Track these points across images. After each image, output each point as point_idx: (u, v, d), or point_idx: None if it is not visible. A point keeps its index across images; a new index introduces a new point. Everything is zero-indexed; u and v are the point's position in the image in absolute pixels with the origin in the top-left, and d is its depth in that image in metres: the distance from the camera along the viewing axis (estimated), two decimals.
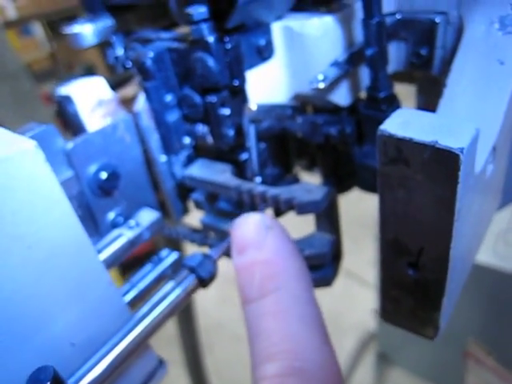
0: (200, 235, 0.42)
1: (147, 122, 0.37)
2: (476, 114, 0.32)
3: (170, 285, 0.31)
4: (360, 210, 2.01)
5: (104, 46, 0.45)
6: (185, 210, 0.43)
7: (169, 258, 0.35)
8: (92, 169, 0.35)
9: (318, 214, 0.35)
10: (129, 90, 0.47)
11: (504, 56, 0.32)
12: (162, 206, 0.42)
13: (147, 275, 0.34)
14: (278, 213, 0.37)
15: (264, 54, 0.36)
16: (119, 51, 0.42)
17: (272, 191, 0.33)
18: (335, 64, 0.35)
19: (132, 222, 0.35)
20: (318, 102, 0.39)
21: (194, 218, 0.45)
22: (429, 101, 0.45)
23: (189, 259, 0.32)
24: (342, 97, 0.37)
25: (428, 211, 0.27)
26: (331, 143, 0.38)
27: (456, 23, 0.36)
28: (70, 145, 0.34)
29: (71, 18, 0.44)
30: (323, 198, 0.32)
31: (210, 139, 0.37)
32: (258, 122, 0.36)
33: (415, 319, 0.32)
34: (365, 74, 0.39)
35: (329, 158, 0.41)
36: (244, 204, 0.38)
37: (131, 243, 0.34)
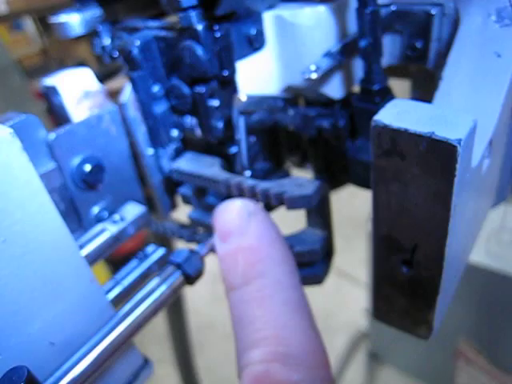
0: (188, 231, 0.41)
1: (134, 113, 0.36)
2: (472, 107, 0.31)
3: (155, 281, 0.30)
4: (352, 208, 2.01)
5: (92, 37, 0.43)
6: (173, 205, 0.41)
7: (155, 253, 0.34)
8: (75, 161, 0.34)
9: (309, 209, 0.34)
10: (117, 82, 0.45)
11: (501, 48, 0.32)
12: (149, 201, 0.41)
13: (132, 272, 0.33)
14: (269, 208, 0.36)
15: (255, 43, 0.34)
16: (106, 41, 0.41)
17: (262, 185, 0.32)
18: (328, 55, 0.34)
19: (116, 217, 0.34)
20: (311, 95, 0.38)
21: (183, 212, 0.43)
22: (424, 95, 0.44)
23: (175, 255, 0.30)
24: (334, 89, 0.36)
25: (423, 206, 0.26)
26: (323, 137, 0.37)
27: (452, 15, 0.36)
28: (52, 135, 0.33)
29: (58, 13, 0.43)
30: (314, 192, 0.31)
31: (198, 132, 0.36)
32: (248, 114, 0.35)
33: (408, 318, 0.31)
34: (358, 67, 0.38)
35: (321, 152, 0.40)
36: (232, 198, 0.37)
37: (115, 238, 0.33)
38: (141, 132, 0.37)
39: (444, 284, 0.29)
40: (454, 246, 0.28)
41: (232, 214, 0.31)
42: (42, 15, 2.64)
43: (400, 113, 0.25)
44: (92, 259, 0.32)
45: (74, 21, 0.41)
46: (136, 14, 0.43)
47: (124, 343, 0.29)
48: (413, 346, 1.49)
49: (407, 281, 0.30)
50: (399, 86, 0.45)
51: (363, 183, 0.38)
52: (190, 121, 0.36)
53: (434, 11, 0.35)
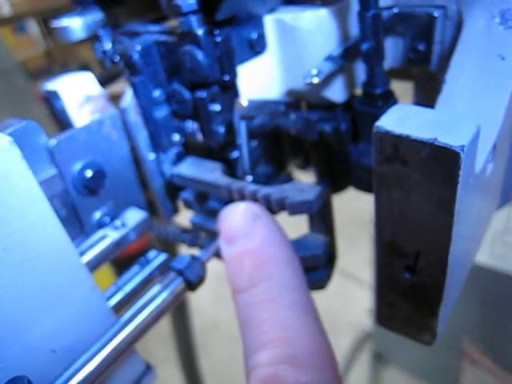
0: (190, 235, 0.41)
1: (135, 118, 0.36)
2: (476, 110, 0.31)
3: (156, 288, 0.30)
4: (356, 208, 2.00)
5: (94, 40, 0.43)
6: (175, 210, 0.41)
7: (157, 259, 0.34)
8: (77, 167, 0.34)
9: (311, 215, 0.34)
10: (119, 86, 0.45)
11: (505, 51, 0.31)
12: (151, 205, 0.41)
13: (134, 277, 0.33)
14: (271, 213, 0.36)
15: (256, 47, 0.34)
16: (107, 45, 0.41)
17: (263, 190, 0.32)
18: (330, 58, 0.33)
19: (118, 223, 0.33)
20: (313, 99, 0.37)
21: (186, 217, 0.43)
22: (427, 98, 0.44)
23: (176, 261, 0.30)
24: (336, 93, 0.36)
25: (426, 212, 0.25)
26: (325, 141, 0.37)
27: (455, 17, 0.35)
28: (53, 141, 0.32)
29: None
30: (316, 197, 0.30)
31: (199, 136, 0.36)
32: (250, 119, 0.35)
33: (412, 325, 0.31)
34: (360, 70, 0.38)
35: (323, 156, 0.40)
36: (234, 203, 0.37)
37: (116, 244, 0.33)
38: (142, 137, 0.37)
39: (448, 290, 0.28)
40: (458, 251, 0.28)
41: (237, 217, 0.31)
42: (45, 17, 2.65)
43: (402, 118, 0.24)
44: (93, 266, 0.31)
45: (75, 25, 0.41)
46: (137, 18, 0.43)
47: (126, 350, 0.28)
48: (417, 346, 1.48)
49: (410, 287, 0.29)
50: (402, 88, 0.44)
51: (366, 188, 0.38)
52: (191, 125, 0.36)
53: (436, 13, 0.35)
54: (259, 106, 0.34)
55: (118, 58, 0.40)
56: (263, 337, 0.27)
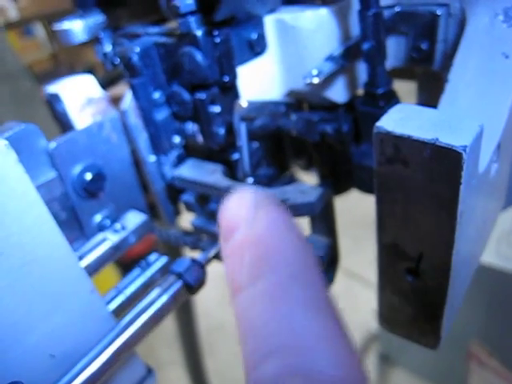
0: (192, 238, 0.40)
1: (135, 120, 0.36)
2: (479, 109, 0.30)
3: (156, 291, 0.29)
4: (361, 208, 1.99)
5: (95, 43, 0.43)
6: (176, 212, 0.41)
7: (157, 262, 0.34)
8: (76, 169, 0.34)
9: (312, 216, 0.33)
10: (120, 89, 0.45)
11: (509, 49, 0.31)
12: (152, 208, 0.41)
13: (134, 281, 0.33)
14: None
15: (256, 48, 0.34)
16: (107, 47, 0.41)
17: None
18: (330, 58, 0.33)
19: (117, 226, 0.33)
20: (314, 99, 0.37)
21: (188, 219, 0.43)
22: (430, 97, 0.43)
23: (176, 264, 0.30)
24: (338, 93, 0.36)
25: (428, 214, 0.25)
26: (327, 142, 0.36)
27: (458, 15, 0.35)
28: (52, 144, 0.32)
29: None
30: (318, 199, 0.30)
31: (200, 138, 0.35)
32: (250, 120, 0.34)
33: (415, 328, 0.31)
34: (362, 70, 0.37)
35: (325, 157, 0.40)
36: None
37: (116, 248, 0.32)
38: (142, 139, 0.36)
39: (451, 292, 0.28)
40: (462, 253, 0.27)
41: (238, 206, 0.26)
42: (52, 21, 2.66)
43: (403, 118, 0.24)
44: (93, 269, 0.31)
45: (76, 28, 0.41)
46: (138, 20, 0.43)
47: (125, 353, 0.28)
48: (424, 348, 1.48)
49: (413, 290, 0.29)
50: (405, 88, 0.44)
51: (368, 189, 0.37)
52: (191, 127, 0.36)
53: (439, 12, 0.35)
54: (259, 107, 0.34)
55: (118, 60, 0.39)
56: (267, 343, 0.21)
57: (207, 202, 0.38)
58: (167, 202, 0.40)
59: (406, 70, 0.41)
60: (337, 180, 0.40)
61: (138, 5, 0.43)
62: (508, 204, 0.40)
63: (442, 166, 0.23)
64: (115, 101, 0.44)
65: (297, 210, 0.30)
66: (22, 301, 0.24)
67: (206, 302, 2.02)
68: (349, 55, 0.34)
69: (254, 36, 0.33)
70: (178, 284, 0.29)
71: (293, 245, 0.24)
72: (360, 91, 0.37)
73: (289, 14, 0.34)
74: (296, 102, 0.38)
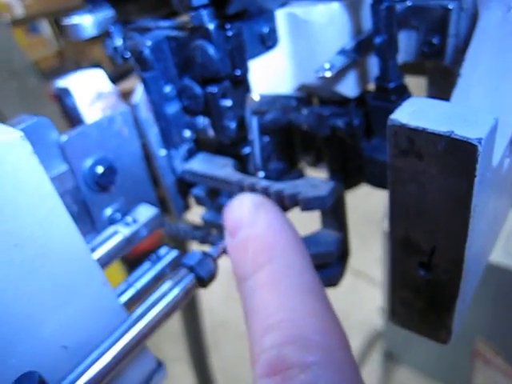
0: (201, 232, 0.40)
1: (146, 114, 0.36)
2: (492, 104, 0.30)
3: (167, 284, 0.30)
4: (367, 206, 1.99)
5: (105, 37, 0.43)
6: (186, 206, 0.41)
7: (168, 256, 0.34)
8: (88, 163, 0.34)
9: (323, 211, 0.33)
10: (130, 83, 0.45)
11: None
12: (162, 202, 0.41)
13: (145, 274, 0.33)
14: (283, 209, 0.36)
15: (267, 42, 0.34)
16: (118, 41, 0.41)
17: (275, 186, 0.31)
18: (342, 52, 0.33)
19: (129, 219, 0.33)
20: (325, 93, 0.37)
21: (197, 213, 0.43)
22: (440, 92, 0.43)
23: (188, 258, 0.30)
24: (349, 88, 0.35)
25: (442, 207, 0.25)
26: (338, 136, 0.36)
27: (470, 9, 0.35)
28: (64, 137, 0.32)
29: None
30: (329, 193, 0.30)
31: (211, 132, 0.35)
32: (262, 114, 0.34)
33: (427, 323, 0.31)
34: (373, 64, 0.37)
35: (335, 152, 0.39)
36: None
37: (128, 241, 0.32)
38: (153, 133, 0.36)
39: (463, 287, 0.28)
40: (474, 247, 0.27)
41: (240, 209, 0.31)
42: (57, 18, 2.67)
43: (417, 111, 0.24)
44: (104, 262, 0.31)
45: (86, 22, 0.41)
46: (148, 14, 0.43)
47: (137, 346, 0.28)
48: (429, 345, 1.47)
49: (425, 284, 0.29)
50: (415, 83, 0.44)
51: (379, 183, 0.37)
52: (202, 121, 0.36)
53: (451, 6, 0.34)
54: (271, 100, 0.34)
55: (129, 54, 0.39)
56: (269, 320, 0.26)
57: (217, 196, 0.38)
58: (177, 195, 0.40)
59: (415, 64, 0.41)
60: (347, 175, 0.40)
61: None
62: None
63: (456, 159, 0.23)
64: (124, 95, 0.44)
65: (308, 203, 0.30)
66: (36, 292, 0.24)
67: (211, 298, 2.02)
68: (360, 49, 0.34)
69: (266, 30, 0.33)
70: (190, 277, 0.29)
71: (288, 239, 0.29)
72: (371, 86, 0.37)
73: (300, 8, 0.33)
74: (306, 96, 0.38)
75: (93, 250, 0.31)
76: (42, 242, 0.24)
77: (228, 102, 0.33)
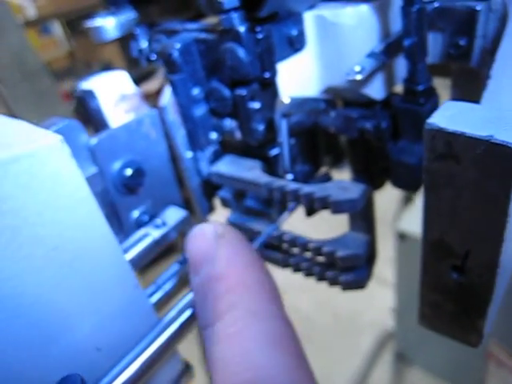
0: None
1: (173, 116, 0.36)
2: None
3: None
4: (378, 206, 1.98)
5: (124, 41, 0.43)
6: (211, 208, 0.41)
7: None
8: (116, 165, 0.34)
9: (353, 213, 0.33)
10: (152, 84, 0.45)
11: None
12: (187, 204, 0.41)
13: (173, 276, 0.33)
14: (310, 212, 0.36)
15: (296, 44, 0.34)
16: (143, 44, 0.41)
17: (306, 189, 0.31)
18: (372, 55, 0.33)
19: (158, 221, 0.33)
20: (351, 96, 0.37)
21: (218, 215, 0.43)
22: (465, 94, 0.43)
23: None
24: (376, 90, 0.35)
25: (478, 211, 0.25)
26: (364, 138, 0.36)
27: (499, 10, 0.34)
28: (94, 140, 0.33)
29: (90, 16, 0.43)
30: (360, 196, 0.30)
31: (238, 134, 0.35)
32: (288, 116, 0.34)
33: (457, 326, 0.30)
34: (400, 66, 0.37)
35: (360, 154, 0.39)
36: (273, 202, 0.36)
37: (157, 243, 0.33)
38: (180, 135, 0.36)
39: (496, 291, 0.28)
40: (509, 251, 0.27)
41: (201, 240, 0.28)
42: (69, 19, 2.70)
43: (455, 115, 0.24)
44: (135, 264, 0.31)
45: (109, 25, 0.41)
46: (170, 17, 0.43)
47: (169, 349, 0.28)
48: (440, 346, 1.46)
49: (457, 287, 0.29)
50: (438, 82, 0.43)
51: (405, 185, 0.37)
52: (229, 123, 0.36)
53: (479, 7, 0.34)
54: (300, 103, 0.34)
55: (155, 56, 0.40)
56: (231, 380, 0.23)
57: (243, 198, 0.38)
58: (202, 197, 0.40)
59: (439, 66, 0.41)
60: (371, 176, 0.40)
61: (171, 2, 0.44)
62: None
63: (495, 163, 0.22)
64: (148, 97, 0.44)
65: (339, 206, 0.30)
66: (72, 295, 0.25)
67: None
68: (389, 52, 0.34)
69: (295, 32, 0.33)
70: None
71: (252, 280, 0.26)
72: (396, 87, 0.37)
73: (329, 11, 0.33)
74: (332, 98, 0.38)
75: (124, 252, 0.31)
76: (79, 245, 0.24)
77: (256, 105, 0.33)
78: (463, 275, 0.28)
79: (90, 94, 0.40)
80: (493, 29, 0.35)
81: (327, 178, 0.39)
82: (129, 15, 0.43)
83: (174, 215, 0.34)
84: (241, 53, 0.31)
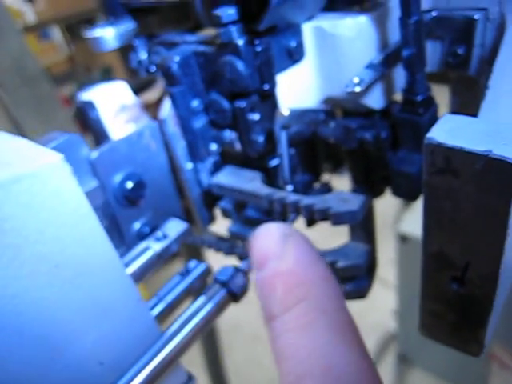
0: (227, 244, 0.41)
1: (173, 128, 0.36)
2: None
3: (200, 300, 0.30)
4: (379, 209, 1.98)
5: (124, 49, 0.44)
6: (211, 218, 0.41)
7: (197, 269, 0.34)
8: (117, 178, 0.34)
9: (353, 224, 0.33)
10: (152, 95, 0.46)
11: None
12: (187, 214, 0.41)
13: (175, 288, 0.33)
14: (311, 223, 0.36)
15: (295, 56, 0.34)
16: (142, 55, 0.41)
17: (306, 200, 0.32)
18: (371, 66, 0.33)
19: (159, 234, 0.33)
20: (350, 106, 0.37)
21: (219, 226, 0.43)
22: (463, 103, 0.43)
23: (220, 273, 0.30)
24: (376, 100, 0.35)
25: (477, 225, 0.25)
26: (364, 148, 0.36)
27: (497, 20, 0.35)
28: (94, 154, 0.33)
29: (89, 22, 0.43)
30: (360, 207, 0.30)
31: (238, 146, 0.36)
32: (288, 128, 0.34)
33: (458, 336, 0.31)
34: (399, 76, 0.37)
35: (360, 163, 0.39)
36: (273, 212, 0.36)
37: (159, 256, 0.33)
38: (180, 147, 0.37)
39: (496, 301, 0.28)
40: (509, 263, 0.27)
41: (267, 239, 0.29)
42: (68, 24, 2.70)
43: (454, 129, 0.24)
44: (136, 278, 0.32)
45: (108, 35, 0.42)
46: (170, 28, 0.43)
47: (172, 363, 0.29)
48: (442, 348, 1.46)
49: (457, 298, 0.29)
50: (436, 89, 0.43)
51: (405, 194, 0.37)
52: (229, 135, 0.36)
53: (477, 16, 0.34)
54: (300, 115, 0.34)
55: (154, 67, 0.40)
56: (300, 367, 0.24)
57: (243, 208, 0.38)
58: (203, 208, 0.40)
59: (438, 74, 0.41)
60: (371, 185, 0.40)
61: (170, 13, 0.44)
62: None
63: (494, 178, 0.23)
64: (147, 107, 0.44)
65: (339, 218, 0.30)
66: (75, 310, 0.25)
67: None
68: (388, 62, 0.34)
69: (293, 44, 0.33)
70: (223, 293, 0.30)
71: (319, 277, 0.27)
72: (395, 97, 0.37)
73: (327, 22, 0.33)
74: (331, 108, 0.38)
75: (125, 266, 0.31)
76: (80, 261, 0.24)
77: (256, 116, 0.33)
78: (463, 286, 0.28)
79: (89, 104, 0.40)
80: (490, 38, 0.35)
81: (327, 189, 0.39)
82: (128, 25, 0.43)
83: (174, 227, 0.34)
84: (240, 66, 0.31)
